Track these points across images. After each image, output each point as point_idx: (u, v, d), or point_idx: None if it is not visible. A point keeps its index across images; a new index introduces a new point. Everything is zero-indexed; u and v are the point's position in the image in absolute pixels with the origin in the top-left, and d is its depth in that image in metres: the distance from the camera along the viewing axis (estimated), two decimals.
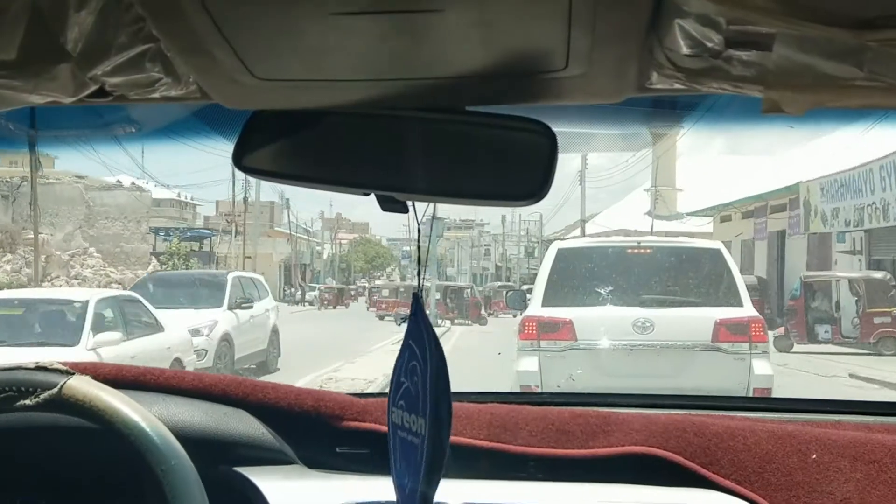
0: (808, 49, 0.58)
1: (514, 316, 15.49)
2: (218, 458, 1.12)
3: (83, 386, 0.92)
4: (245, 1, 0.60)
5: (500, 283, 34.43)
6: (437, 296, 23.53)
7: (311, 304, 35.76)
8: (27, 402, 0.91)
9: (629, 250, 7.47)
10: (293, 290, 37.87)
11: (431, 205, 0.85)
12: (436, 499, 0.89)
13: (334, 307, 33.93)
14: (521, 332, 7.04)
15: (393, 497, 0.92)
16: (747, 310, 7.02)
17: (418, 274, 0.90)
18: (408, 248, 59.90)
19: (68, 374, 0.94)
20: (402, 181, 0.78)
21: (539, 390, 6.30)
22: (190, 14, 0.61)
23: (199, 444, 1.00)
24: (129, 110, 0.99)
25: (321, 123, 0.80)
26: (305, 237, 51.05)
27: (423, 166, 0.78)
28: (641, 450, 1.12)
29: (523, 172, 0.76)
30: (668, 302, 7.01)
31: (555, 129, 0.76)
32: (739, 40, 0.61)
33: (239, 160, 0.80)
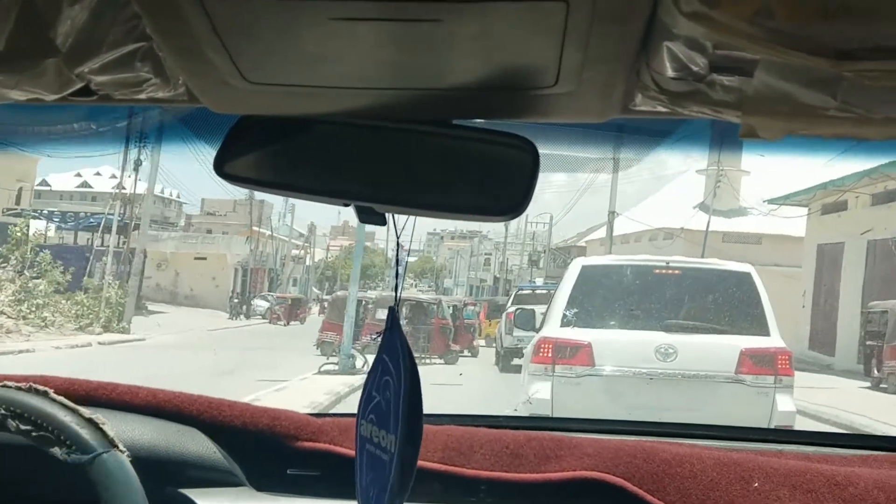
0: (787, 76, 0.63)
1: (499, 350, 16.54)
2: (165, 478, 1.16)
3: (112, 466, 0.97)
4: (246, 4, 0.63)
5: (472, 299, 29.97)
6: (380, 313, 17.55)
7: (263, 317, 32.26)
8: (58, 451, 0.96)
9: (656, 270, 7.43)
10: (237, 300, 33.74)
11: (413, 217, 0.89)
12: None
13: (286, 322, 29.54)
14: (534, 355, 7.04)
15: None
16: (774, 340, 7.09)
17: (396, 288, 0.95)
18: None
19: (111, 445, 0.98)
20: (381, 193, 0.82)
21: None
22: (188, 14, 0.63)
23: (147, 464, 1.04)
24: (112, 110, 1.01)
25: (304, 131, 0.84)
26: (286, 238, 50.55)
27: (403, 178, 0.82)
28: (591, 475, 1.18)
29: (503, 188, 0.80)
30: (693, 328, 7.02)
31: (539, 145, 0.80)
32: (723, 65, 0.66)
33: (220, 167, 0.83)
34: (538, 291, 19.32)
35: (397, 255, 0.94)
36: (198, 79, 0.75)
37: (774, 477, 1.16)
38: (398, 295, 0.94)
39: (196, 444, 1.22)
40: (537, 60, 0.70)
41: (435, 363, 16.72)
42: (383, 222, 0.87)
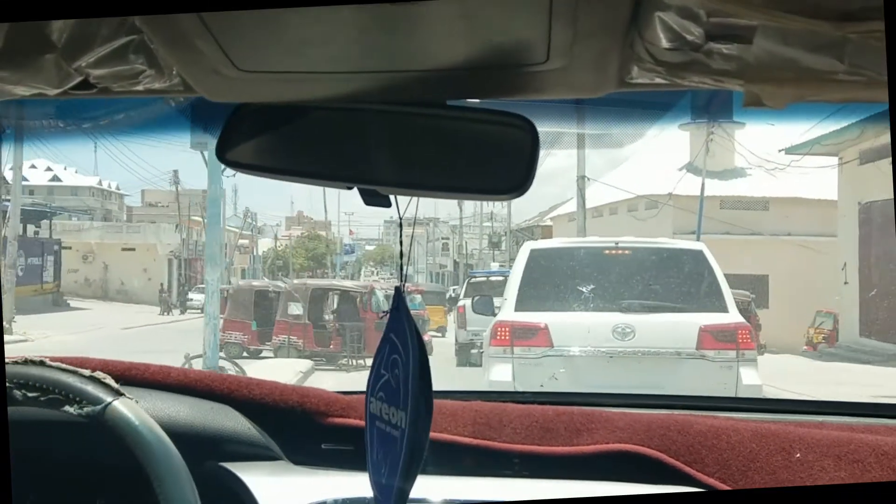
0: (789, 42, 0.63)
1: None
2: (205, 453, 1.20)
3: (124, 410, 1.02)
4: None
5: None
6: (293, 308, 15.88)
7: (201, 311, 29.16)
8: (71, 409, 1.02)
9: (606, 251, 7.61)
10: (166, 294, 30.98)
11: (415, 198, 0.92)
12: (419, 495, 0.97)
13: None
14: (493, 338, 7.16)
15: None
16: (733, 316, 7.24)
17: (400, 268, 0.97)
18: (350, 243, 57.66)
19: (117, 393, 1.04)
20: (384, 175, 0.85)
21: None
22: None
23: (185, 440, 1.08)
24: (111, 103, 1.03)
25: (304, 117, 0.86)
26: (234, 229, 49.53)
27: (405, 160, 0.84)
28: (625, 447, 1.21)
29: (506, 166, 0.82)
30: (650, 307, 7.14)
31: (536, 123, 0.82)
32: (720, 33, 0.66)
33: (222, 154, 0.86)
34: (493, 278, 17.86)
35: (401, 235, 0.95)
36: (190, 69, 0.78)
37: (817, 447, 1.18)
38: (404, 275, 0.96)
39: (231, 421, 1.28)
40: (525, 37, 0.71)
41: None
42: (388, 204, 0.90)
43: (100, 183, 53.58)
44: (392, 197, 0.90)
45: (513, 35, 0.71)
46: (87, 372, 1.06)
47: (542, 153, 0.83)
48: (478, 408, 1.31)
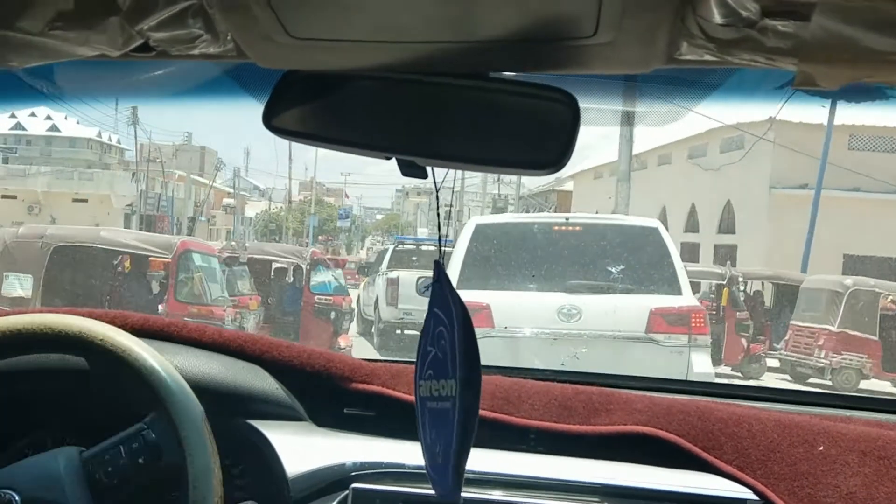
0: (849, 19, 0.65)
1: None
2: (233, 410, 1.35)
3: (76, 321, 1.23)
4: None
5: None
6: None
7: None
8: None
9: (555, 227, 7.68)
10: None
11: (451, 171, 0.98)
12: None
13: None
14: None
15: (397, 459, 1.20)
16: (687, 298, 7.28)
17: (438, 240, 1.05)
18: (345, 209, 56.23)
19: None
20: (423, 146, 0.90)
21: None
22: None
23: (216, 396, 1.29)
24: (158, 67, 1.13)
25: (348, 86, 0.93)
26: (226, 188, 48.49)
27: (444, 132, 0.90)
28: (644, 429, 1.27)
29: (544, 141, 0.86)
30: (598, 288, 7.22)
31: (578, 98, 0.86)
32: (776, 10, 0.68)
33: (268, 120, 0.93)
34: (424, 247, 16.17)
35: (438, 206, 1.02)
36: (245, 34, 0.84)
37: (842, 441, 1.23)
38: (441, 249, 1.05)
39: (260, 381, 1.40)
40: (574, 9, 0.74)
41: None
42: (424, 175, 0.97)
43: (99, 135, 52.92)
44: (429, 169, 0.96)
45: (562, 7, 0.74)
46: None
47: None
48: (497, 382, 1.39)
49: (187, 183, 37.67)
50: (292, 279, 14.24)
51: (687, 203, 25.59)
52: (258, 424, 1.35)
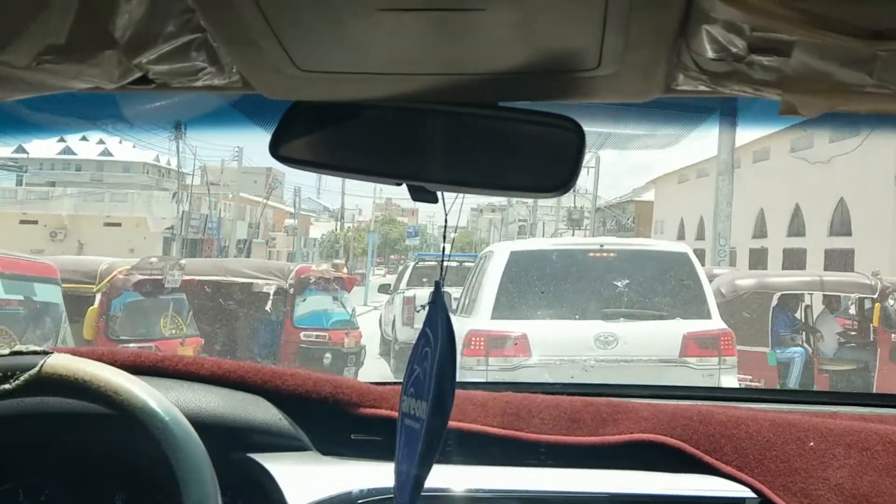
0: (824, 56, 0.74)
1: None
2: (233, 444, 1.35)
3: (63, 361, 1.12)
4: None
5: None
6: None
7: None
8: (7, 386, 1.10)
9: (590, 254, 7.88)
10: None
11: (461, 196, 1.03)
12: (447, 485, 1.21)
13: None
14: (466, 348, 7.26)
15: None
16: (716, 322, 7.59)
17: (441, 262, 1.14)
18: (413, 226, 53.96)
19: (45, 353, 1.13)
20: (432, 172, 0.97)
21: None
22: (240, 6, 0.73)
23: (214, 430, 1.24)
24: (168, 98, 1.14)
25: (357, 115, 0.98)
26: (284, 207, 47.70)
27: (454, 158, 0.96)
28: (649, 437, 1.37)
29: (551, 166, 0.94)
30: (633, 315, 7.47)
31: (583, 124, 0.94)
32: (761, 46, 0.76)
33: (275, 150, 0.98)
34: (446, 263, 15.17)
35: (445, 231, 1.09)
36: (251, 67, 0.88)
37: (829, 436, 1.36)
38: (443, 270, 1.12)
39: (262, 412, 1.41)
40: (579, 44, 0.81)
41: None
42: (435, 200, 1.03)
43: (157, 159, 53.10)
44: (439, 193, 1.02)
45: (567, 41, 0.81)
46: (5, 350, 1.14)
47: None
48: (508, 399, 1.46)
49: (235, 202, 35.38)
50: (270, 308, 10.24)
51: (789, 203, 23.71)
52: (260, 457, 1.35)
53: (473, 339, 7.30)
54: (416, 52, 0.83)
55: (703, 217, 27.43)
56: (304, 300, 10.59)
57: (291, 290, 10.24)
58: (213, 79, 0.90)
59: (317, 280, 10.84)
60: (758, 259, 25.00)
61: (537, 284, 7.63)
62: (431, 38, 0.80)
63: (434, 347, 1.03)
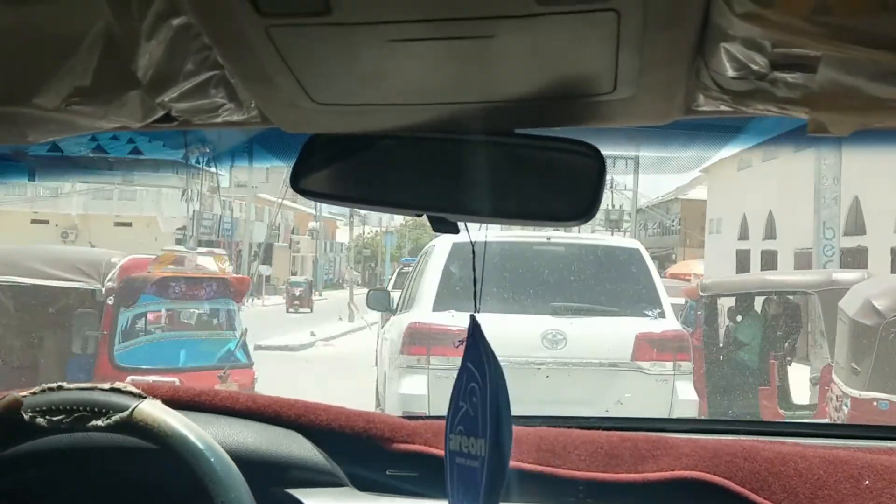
0: (852, 71, 0.71)
1: None
2: (270, 479, 1.37)
3: (154, 411, 1.19)
4: (307, 31, 0.75)
5: None
6: None
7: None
8: (99, 423, 1.19)
9: (536, 247, 7.64)
10: None
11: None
12: None
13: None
14: (405, 345, 6.90)
15: None
16: (670, 322, 7.33)
17: (474, 295, 1.11)
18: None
19: (141, 397, 1.20)
20: (453, 203, 0.98)
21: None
22: (255, 42, 0.76)
23: (251, 466, 1.27)
24: (193, 135, 1.20)
25: (375, 147, 0.99)
26: (305, 209, 46.96)
27: (473, 188, 0.96)
28: (692, 474, 1.34)
29: (572, 193, 0.94)
30: (583, 310, 7.14)
31: (602, 149, 0.92)
32: (784, 63, 0.74)
33: (296, 183, 1.00)
34: None
35: (473, 260, 1.10)
36: (268, 102, 0.91)
37: (885, 474, 1.30)
38: (478, 301, 1.11)
39: (297, 447, 1.43)
40: (593, 68, 0.81)
41: None
42: (457, 230, 1.04)
43: (187, 160, 53.59)
44: (462, 224, 1.01)
45: (581, 66, 0.81)
46: (106, 385, 1.22)
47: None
48: (542, 434, 1.44)
49: (248, 202, 32.21)
50: (76, 332, 6.49)
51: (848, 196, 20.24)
52: (297, 493, 1.37)
53: (414, 333, 6.89)
54: (430, 82, 0.85)
55: (772, 212, 22.83)
56: (137, 317, 6.75)
57: (111, 301, 6.34)
58: (232, 115, 0.94)
59: (162, 283, 6.85)
60: (853, 260, 17.66)
61: (482, 277, 7.21)
62: (445, 67, 0.82)
63: (483, 383, 1.05)
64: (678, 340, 7.16)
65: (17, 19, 0.75)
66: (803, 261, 17.52)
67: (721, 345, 10.39)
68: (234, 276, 8.73)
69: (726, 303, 10.90)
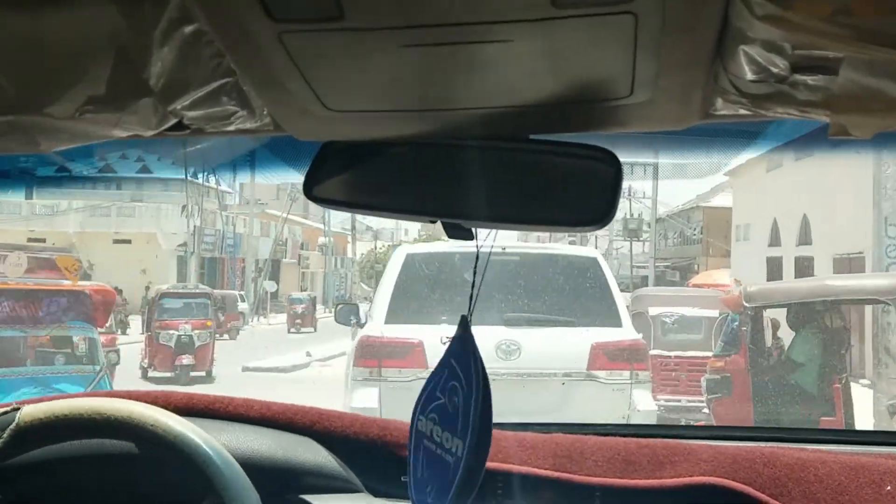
0: (874, 72, 0.70)
1: None
2: (285, 486, 1.38)
3: (36, 411, 1.20)
4: (319, 37, 0.74)
5: None
6: None
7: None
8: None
9: (492, 257, 6.16)
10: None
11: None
12: None
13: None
14: (358, 358, 6.89)
15: None
16: (627, 331, 7.31)
17: (470, 298, 1.11)
18: None
19: (16, 409, 1.21)
20: (467, 209, 0.97)
21: None
22: (267, 49, 0.76)
23: (266, 472, 1.31)
24: (202, 143, 1.20)
25: (389, 153, 0.99)
26: (320, 226, 47.00)
27: (488, 194, 0.96)
28: (710, 480, 1.34)
29: (588, 199, 0.93)
30: (537, 321, 7.13)
31: (618, 155, 0.91)
32: (805, 65, 0.73)
33: (309, 190, 1.00)
34: None
35: (475, 265, 1.10)
36: (281, 109, 0.91)
37: None
38: (472, 305, 1.12)
39: (312, 453, 1.44)
40: (610, 72, 0.80)
41: None
42: (471, 237, 1.03)
43: (195, 175, 53.88)
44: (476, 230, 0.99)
45: (597, 70, 0.80)
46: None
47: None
48: (558, 440, 1.44)
49: (249, 217, 32.10)
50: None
51: None
52: (312, 499, 1.37)
53: (366, 346, 6.89)
54: (443, 87, 0.85)
55: (806, 215, 21.20)
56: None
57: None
58: (245, 122, 0.94)
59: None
60: None
61: (435, 288, 7.35)
62: (459, 72, 0.81)
63: (467, 386, 1.06)
64: (635, 349, 7.17)
65: (29, 29, 0.75)
66: (843, 267, 16.34)
67: (769, 365, 8.90)
68: (94, 286, 7.24)
69: (771, 314, 9.29)
